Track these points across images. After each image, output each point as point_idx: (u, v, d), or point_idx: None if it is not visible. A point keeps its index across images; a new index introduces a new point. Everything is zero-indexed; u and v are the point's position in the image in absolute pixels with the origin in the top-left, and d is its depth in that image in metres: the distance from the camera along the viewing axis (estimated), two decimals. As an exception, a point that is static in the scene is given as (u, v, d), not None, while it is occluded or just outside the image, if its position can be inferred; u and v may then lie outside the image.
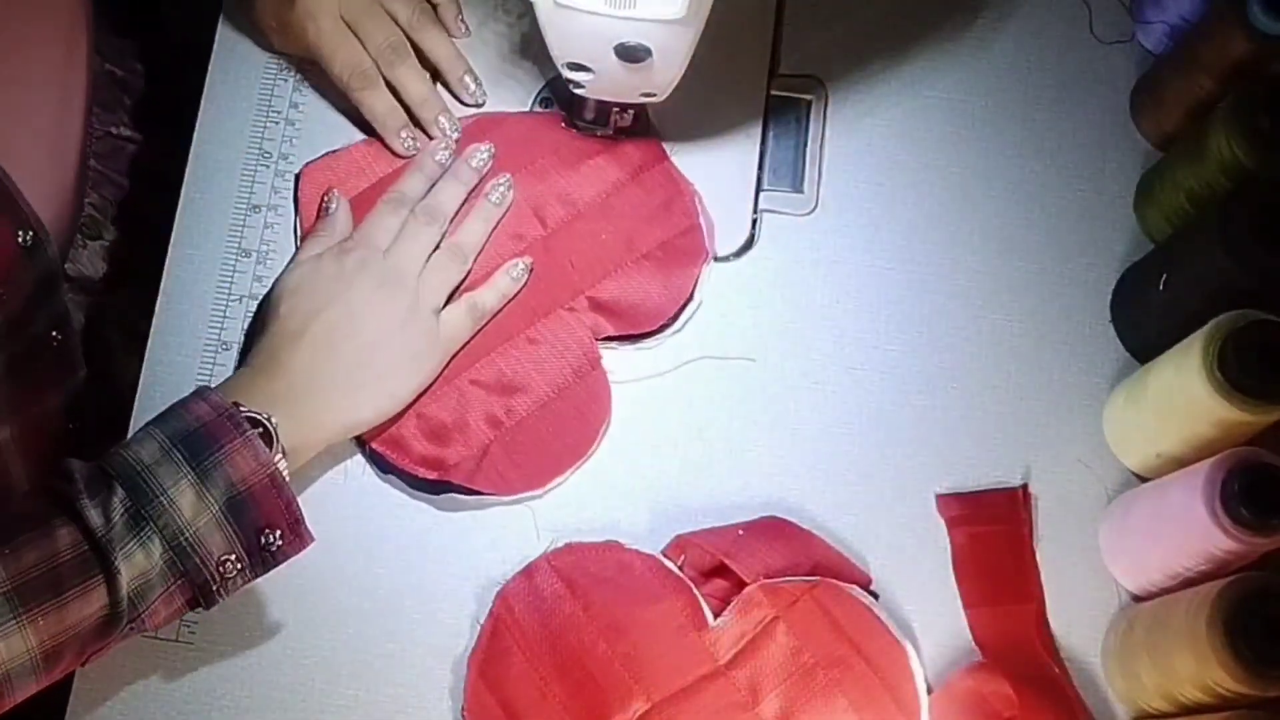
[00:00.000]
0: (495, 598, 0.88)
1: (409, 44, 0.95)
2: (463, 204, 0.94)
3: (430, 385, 0.90)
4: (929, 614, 0.89)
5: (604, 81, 0.89)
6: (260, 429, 0.81)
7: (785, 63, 0.99)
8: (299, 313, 0.87)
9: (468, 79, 0.97)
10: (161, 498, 0.77)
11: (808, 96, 0.99)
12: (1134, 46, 1.00)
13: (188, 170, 0.96)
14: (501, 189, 0.94)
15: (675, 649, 0.85)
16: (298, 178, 0.95)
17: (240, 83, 0.98)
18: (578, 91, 0.91)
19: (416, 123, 0.96)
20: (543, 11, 0.82)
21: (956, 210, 0.97)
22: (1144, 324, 0.93)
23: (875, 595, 0.89)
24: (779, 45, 0.99)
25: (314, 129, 0.97)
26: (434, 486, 0.90)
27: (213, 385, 0.84)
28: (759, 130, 0.98)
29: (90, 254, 1.00)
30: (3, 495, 0.84)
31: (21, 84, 0.87)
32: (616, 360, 0.93)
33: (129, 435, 0.88)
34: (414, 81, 0.95)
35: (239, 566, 0.79)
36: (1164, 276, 0.89)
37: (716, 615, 0.86)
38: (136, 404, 0.92)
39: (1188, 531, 0.82)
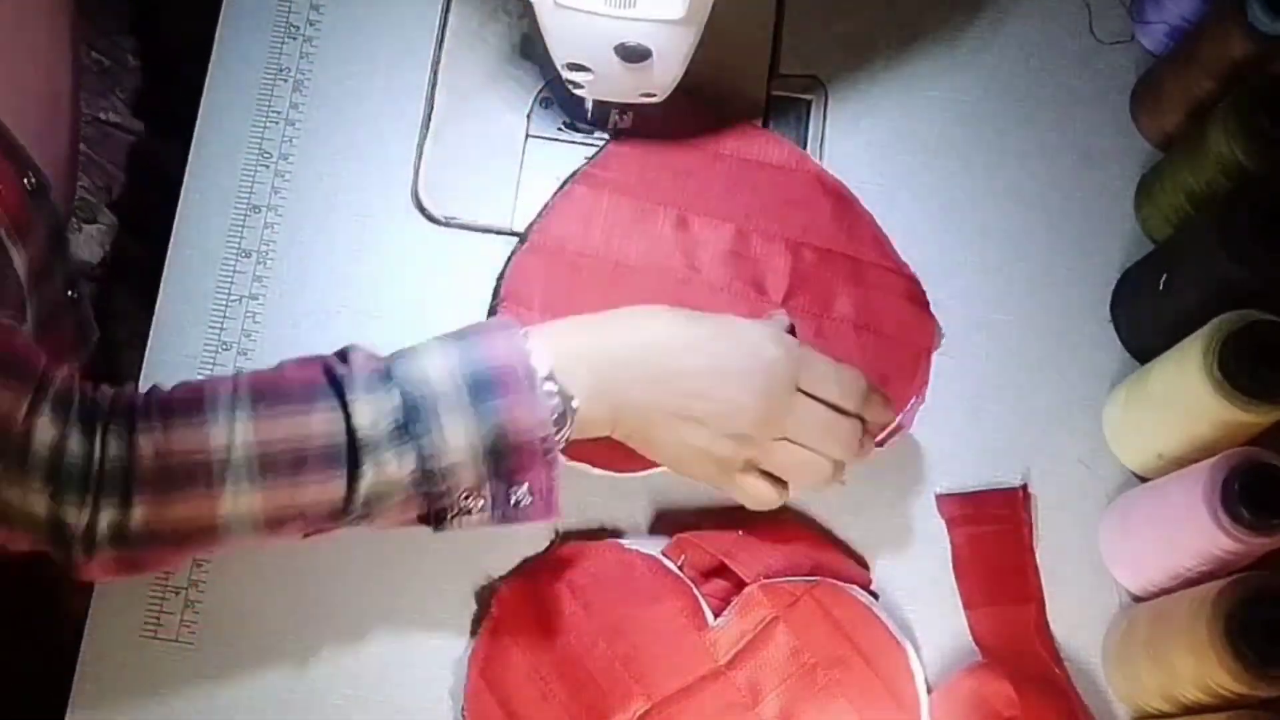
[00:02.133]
0: (495, 598, 0.88)
1: None
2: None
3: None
4: (929, 614, 0.89)
5: (604, 81, 0.88)
6: (556, 399, 0.78)
7: (785, 63, 0.99)
8: (703, 376, 0.80)
9: None
10: (432, 422, 0.75)
11: (808, 96, 0.99)
12: (1134, 46, 1.00)
13: (188, 170, 0.96)
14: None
15: (675, 649, 0.85)
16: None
17: (240, 82, 0.98)
18: (578, 91, 0.91)
19: None
20: (543, 12, 0.82)
21: (956, 210, 0.97)
22: (1144, 324, 0.93)
23: (875, 595, 0.89)
24: (779, 45, 0.99)
25: (314, 129, 0.97)
26: None
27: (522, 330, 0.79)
28: (759, 130, 0.98)
29: (86, 238, 0.99)
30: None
31: (7, 61, 0.86)
32: None
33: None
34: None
35: (480, 506, 0.78)
36: (1164, 276, 0.89)
37: (716, 615, 0.86)
38: (136, 404, 0.92)
39: (1188, 531, 0.82)
